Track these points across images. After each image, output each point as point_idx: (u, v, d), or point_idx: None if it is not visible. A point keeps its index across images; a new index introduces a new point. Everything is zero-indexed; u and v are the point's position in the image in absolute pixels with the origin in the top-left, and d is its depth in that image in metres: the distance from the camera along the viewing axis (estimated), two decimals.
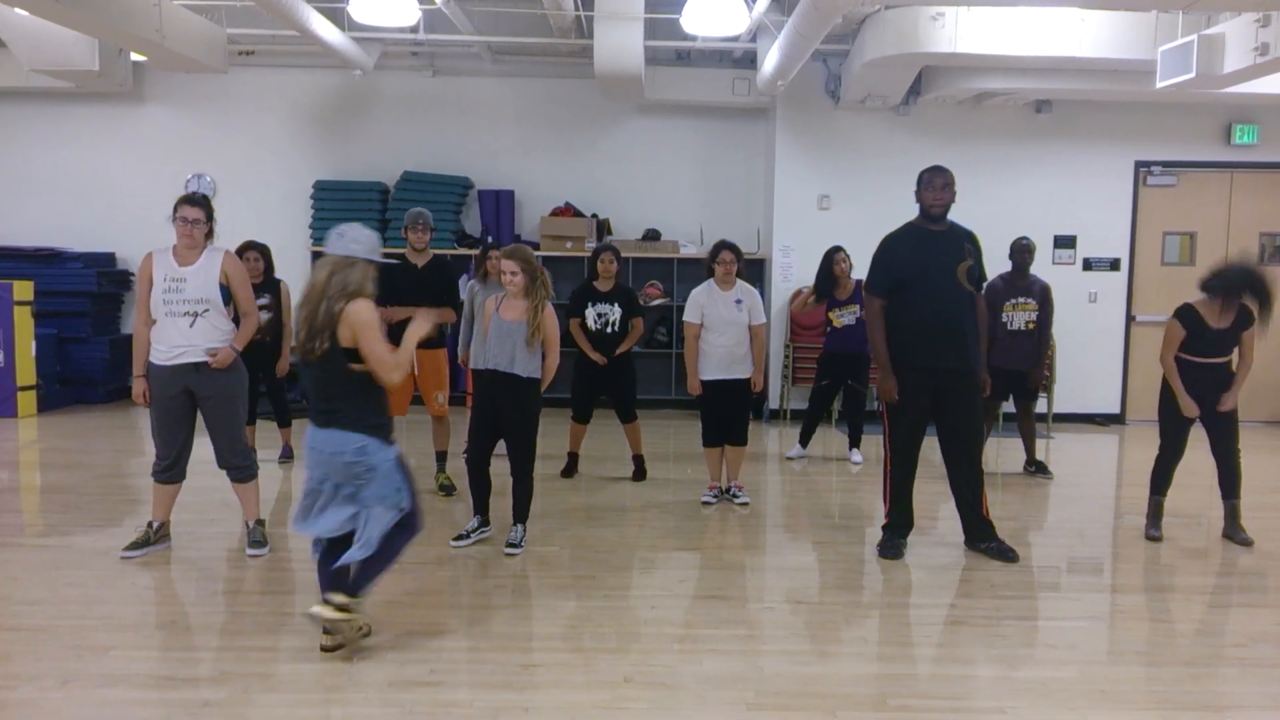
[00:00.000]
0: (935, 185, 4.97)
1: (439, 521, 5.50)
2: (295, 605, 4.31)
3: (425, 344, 6.08)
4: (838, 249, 7.54)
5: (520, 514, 5.21)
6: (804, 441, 7.82)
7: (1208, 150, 9.61)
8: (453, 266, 6.37)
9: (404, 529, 3.79)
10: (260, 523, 5.08)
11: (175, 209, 4.72)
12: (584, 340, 6.65)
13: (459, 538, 5.20)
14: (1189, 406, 5.36)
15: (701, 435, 6.23)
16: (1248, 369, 5.37)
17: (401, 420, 6.41)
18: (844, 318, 7.47)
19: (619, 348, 6.62)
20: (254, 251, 7.00)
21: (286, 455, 7.26)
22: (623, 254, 9.64)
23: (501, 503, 5.33)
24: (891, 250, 5.06)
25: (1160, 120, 9.48)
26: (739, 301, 5.99)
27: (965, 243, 5.02)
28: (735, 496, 6.23)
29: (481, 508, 5.30)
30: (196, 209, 4.73)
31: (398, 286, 6.18)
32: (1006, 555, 5.01)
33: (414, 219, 6.16)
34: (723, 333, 5.97)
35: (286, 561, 4.95)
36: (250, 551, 4.95)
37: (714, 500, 6.20)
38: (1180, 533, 5.63)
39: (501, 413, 5.11)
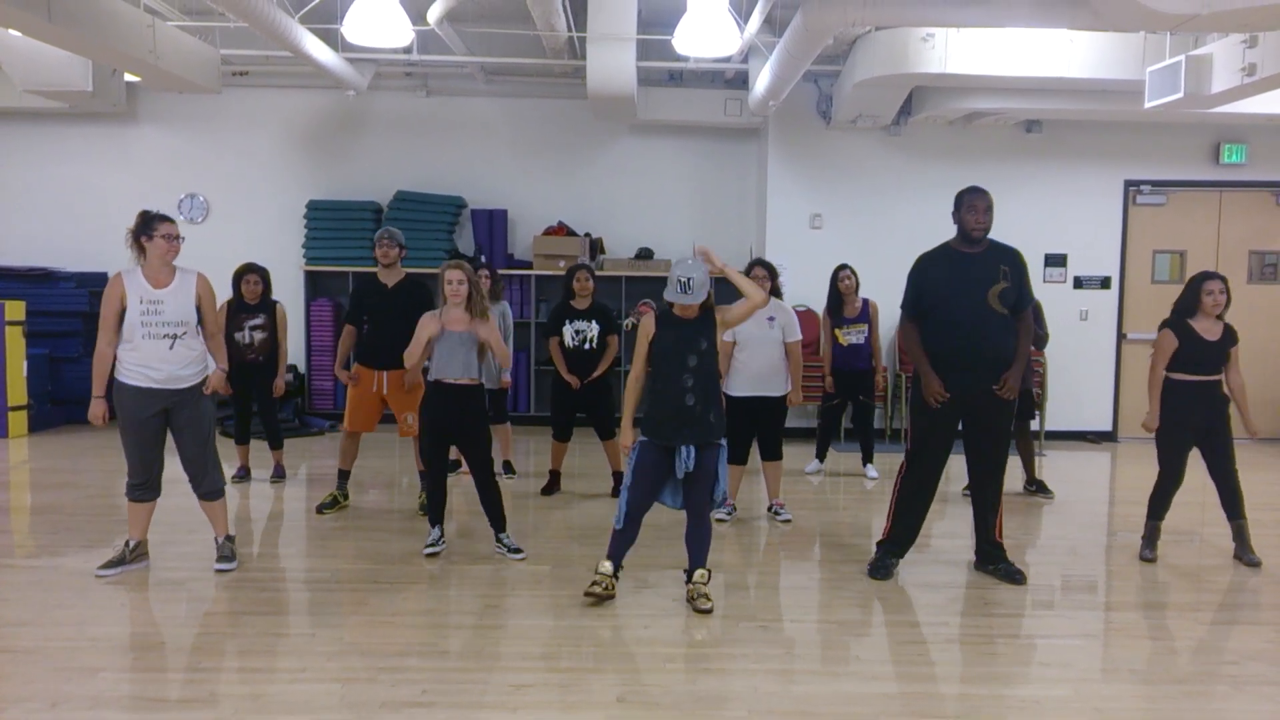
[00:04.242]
0: (977, 208, 4.87)
1: (416, 540, 5.45)
2: (285, 626, 4.29)
3: (397, 364, 6.09)
4: (842, 266, 7.57)
5: (501, 522, 5.27)
6: (820, 456, 7.86)
7: (1196, 169, 9.68)
8: (425, 286, 6.27)
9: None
10: (230, 538, 5.08)
11: (150, 227, 4.69)
12: (560, 360, 6.68)
13: (430, 547, 5.28)
14: (1153, 422, 5.38)
15: (726, 451, 6.20)
16: (1243, 388, 5.38)
17: (374, 437, 6.44)
18: (850, 335, 7.48)
19: (595, 370, 6.64)
20: (254, 274, 7.02)
21: (278, 474, 7.22)
22: (616, 273, 9.77)
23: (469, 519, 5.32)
24: (923, 271, 5.02)
25: (1149, 140, 9.54)
26: (771, 319, 6.00)
27: (1002, 264, 4.89)
28: (778, 514, 6.26)
29: (440, 518, 5.35)
30: (175, 225, 4.76)
31: (366, 305, 6.19)
32: (1013, 576, 4.99)
33: (381, 235, 6.15)
34: (754, 350, 5.98)
35: (274, 582, 4.93)
36: (218, 567, 4.94)
37: (727, 517, 6.20)
38: (1174, 551, 5.63)
39: (455, 423, 5.15)
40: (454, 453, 5.89)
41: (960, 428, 5.03)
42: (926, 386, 4.93)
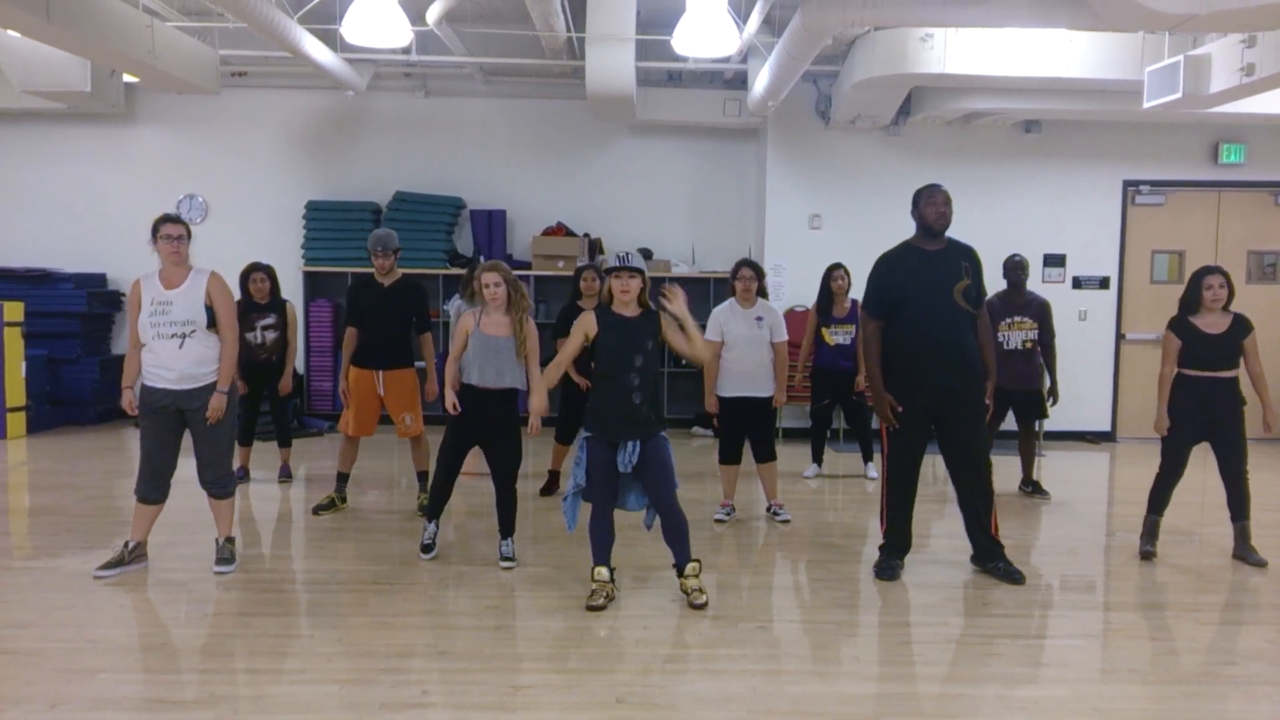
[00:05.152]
0: (936, 200, 4.93)
1: (416, 541, 5.42)
2: (284, 627, 4.29)
3: (394, 363, 6.09)
4: (836, 266, 7.55)
5: (509, 528, 5.23)
6: (817, 459, 7.84)
7: (1195, 169, 9.69)
8: (421, 286, 6.28)
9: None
10: (230, 540, 5.08)
11: (155, 230, 4.75)
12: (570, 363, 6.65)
13: (426, 549, 5.27)
14: (1162, 424, 5.38)
15: (719, 452, 6.23)
16: (1265, 382, 5.35)
17: (373, 438, 6.45)
18: (837, 336, 7.47)
19: None
20: (260, 272, 7.05)
21: (285, 474, 7.24)
22: None
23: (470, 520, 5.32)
24: (885, 271, 5.04)
25: (1148, 140, 9.55)
26: (759, 319, 6.03)
27: (963, 261, 4.96)
28: (777, 514, 6.27)
29: (437, 514, 5.33)
30: (179, 225, 4.77)
31: (363, 304, 6.18)
32: (1013, 576, 4.99)
33: (374, 245, 6.07)
34: (743, 350, 5.99)
35: (274, 583, 4.92)
36: (217, 569, 4.94)
37: (727, 518, 6.20)
38: (1174, 550, 5.63)
39: (486, 427, 5.12)
40: None
41: (935, 429, 5.04)
42: (878, 404, 4.99)
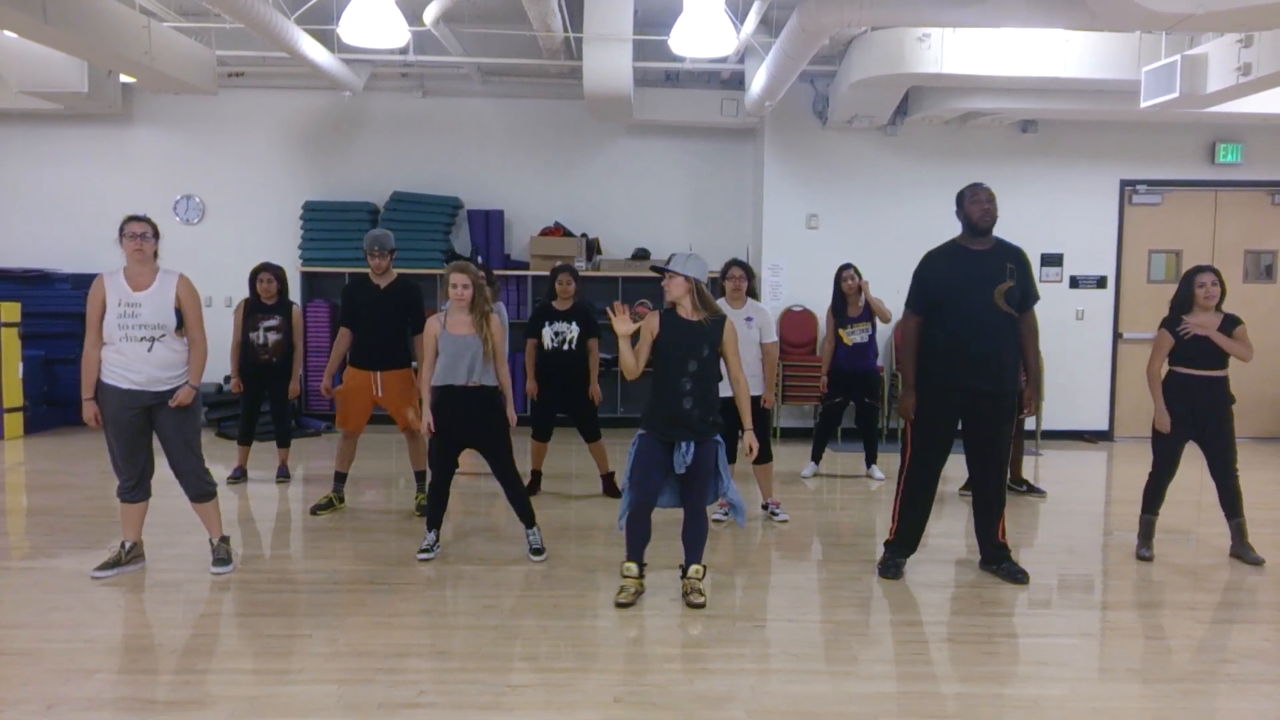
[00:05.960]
0: (980, 199, 4.91)
1: (413, 541, 5.44)
2: (282, 628, 4.28)
3: (391, 364, 6.09)
4: (846, 266, 7.55)
5: (529, 518, 5.27)
6: (816, 458, 7.84)
7: (1192, 169, 9.69)
8: (416, 287, 6.28)
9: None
10: (224, 540, 5.06)
11: (121, 229, 4.71)
12: (531, 366, 6.69)
13: (424, 551, 5.26)
14: (1163, 420, 5.38)
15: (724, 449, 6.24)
16: (1248, 351, 5.29)
17: (371, 438, 6.45)
18: (855, 335, 7.46)
19: (576, 373, 6.61)
20: (268, 273, 7.03)
21: (283, 474, 7.23)
22: (612, 273, 9.78)
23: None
24: (928, 268, 5.03)
25: (1145, 139, 9.56)
26: (749, 319, 6.02)
27: (1008, 262, 4.91)
28: (774, 514, 6.28)
29: (438, 523, 5.33)
30: (144, 224, 4.72)
31: (358, 305, 6.18)
32: (1016, 576, 5.00)
33: (370, 245, 6.08)
34: None
35: (271, 583, 4.91)
36: (214, 569, 4.93)
37: (725, 517, 6.21)
38: (1170, 549, 5.64)
39: (468, 427, 5.14)
40: None
41: (960, 427, 5.04)
42: (902, 400, 5.02)
